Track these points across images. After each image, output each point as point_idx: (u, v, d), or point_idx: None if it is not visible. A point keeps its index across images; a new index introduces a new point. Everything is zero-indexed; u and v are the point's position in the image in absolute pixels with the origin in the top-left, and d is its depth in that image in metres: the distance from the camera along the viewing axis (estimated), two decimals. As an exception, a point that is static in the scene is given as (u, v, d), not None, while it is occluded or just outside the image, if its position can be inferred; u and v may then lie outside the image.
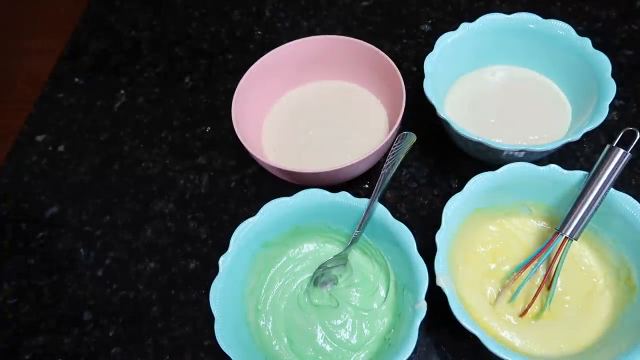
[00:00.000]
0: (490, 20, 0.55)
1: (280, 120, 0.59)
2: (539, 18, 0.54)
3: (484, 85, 0.58)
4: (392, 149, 0.46)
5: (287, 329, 0.47)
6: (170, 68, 0.68)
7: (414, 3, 0.70)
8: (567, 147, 0.47)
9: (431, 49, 0.53)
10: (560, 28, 0.53)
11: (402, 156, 0.46)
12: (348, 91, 0.60)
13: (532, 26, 0.54)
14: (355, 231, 0.46)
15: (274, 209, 0.46)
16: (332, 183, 0.51)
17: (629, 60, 0.61)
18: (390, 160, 0.46)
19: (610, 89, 0.48)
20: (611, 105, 0.47)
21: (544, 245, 0.44)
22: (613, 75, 0.49)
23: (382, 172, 0.46)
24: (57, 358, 0.49)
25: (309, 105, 0.60)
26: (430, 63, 0.52)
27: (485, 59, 0.58)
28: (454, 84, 0.58)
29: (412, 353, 0.39)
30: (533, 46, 0.55)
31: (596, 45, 0.51)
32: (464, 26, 0.54)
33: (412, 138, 0.47)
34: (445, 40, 0.54)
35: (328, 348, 0.45)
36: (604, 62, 0.50)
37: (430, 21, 0.68)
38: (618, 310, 0.44)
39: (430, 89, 0.50)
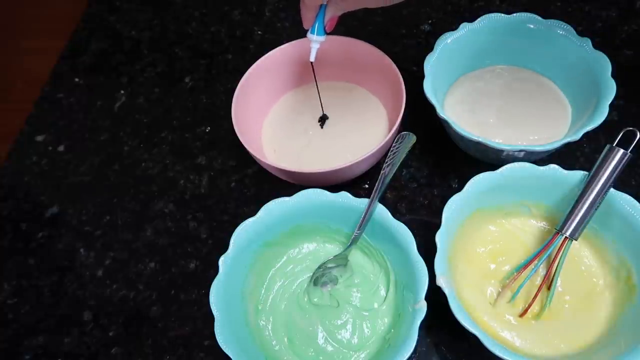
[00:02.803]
0: (491, 20, 0.55)
1: (280, 120, 0.59)
2: (539, 18, 0.54)
3: (484, 85, 0.58)
4: (391, 148, 0.46)
5: (287, 329, 0.47)
6: (170, 68, 0.68)
7: (414, 3, 0.70)
8: (567, 147, 0.47)
9: (431, 49, 0.53)
10: (561, 28, 0.53)
11: (402, 156, 0.46)
12: (348, 91, 0.60)
13: (532, 26, 0.54)
14: (356, 231, 0.46)
15: (274, 209, 0.46)
16: (332, 183, 0.51)
17: (629, 60, 0.60)
18: (390, 160, 0.46)
19: (611, 88, 0.48)
20: (611, 105, 0.47)
21: (544, 245, 0.44)
22: (613, 75, 0.49)
23: (381, 172, 0.46)
24: (57, 358, 0.49)
25: (308, 105, 0.60)
26: (430, 63, 0.52)
27: (485, 59, 0.58)
28: (454, 84, 0.58)
29: (412, 353, 0.39)
30: (533, 46, 0.55)
31: (596, 45, 0.51)
32: (464, 26, 0.54)
33: (412, 138, 0.47)
34: (445, 40, 0.54)
35: (329, 348, 0.45)
36: (604, 62, 0.50)
37: (430, 21, 0.68)
38: (618, 310, 0.44)
39: (430, 89, 0.50)
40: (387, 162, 0.45)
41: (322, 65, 0.59)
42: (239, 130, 0.51)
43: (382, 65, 0.54)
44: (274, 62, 0.57)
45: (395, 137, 0.47)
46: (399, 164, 0.46)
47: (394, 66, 0.53)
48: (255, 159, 0.51)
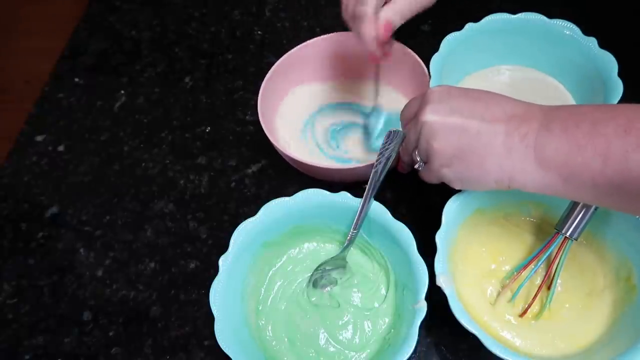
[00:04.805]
0: (496, 20, 0.54)
1: (296, 112, 0.60)
2: (545, 18, 0.54)
3: (490, 86, 0.58)
4: (383, 145, 0.46)
5: (287, 330, 0.47)
6: (170, 68, 0.68)
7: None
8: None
9: (431, 49, 0.53)
10: (566, 27, 0.53)
11: (393, 153, 0.45)
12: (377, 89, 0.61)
13: (537, 26, 0.54)
14: (351, 231, 0.45)
15: (274, 209, 0.46)
16: (349, 181, 0.52)
17: (634, 60, 0.60)
18: (381, 157, 0.45)
19: (618, 88, 0.48)
20: (617, 106, 0.47)
21: (544, 245, 0.44)
22: (619, 74, 0.49)
23: (373, 169, 0.45)
24: (57, 358, 0.49)
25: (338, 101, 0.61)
26: (436, 63, 0.52)
27: (491, 59, 0.58)
28: (460, 84, 0.58)
29: (412, 353, 0.39)
30: (539, 46, 0.55)
31: (602, 45, 0.51)
32: (469, 26, 0.54)
33: (402, 135, 0.46)
34: (451, 41, 0.54)
35: (330, 349, 0.45)
36: (610, 62, 0.50)
37: (430, 21, 0.68)
38: (618, 310, 0.44)
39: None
40: (378, 160, 0.45)
41: (349, 63, 0.59)
42: (264, 122, 0.51)
43: (411, 64, 0.55)
44: (299, 57, 0.57)
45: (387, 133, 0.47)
46: (391, 161, 0.46)
47: (424, 67, 0.53)
48: (281, 152, 0.51)
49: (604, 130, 0.32)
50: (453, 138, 0.38)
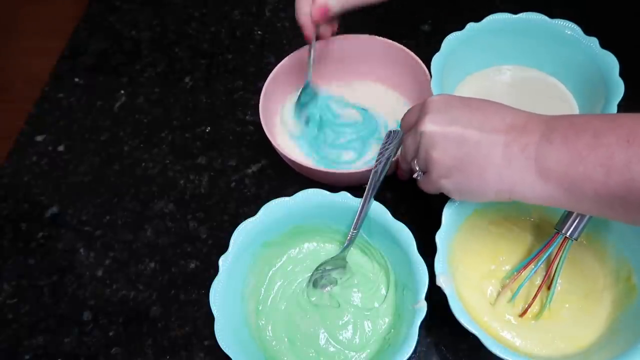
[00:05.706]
0: (497, 20, 0.54)
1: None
2: (546, 18, 0.54)
3: (491, 85, 0.58)
4: (383, 145, 0.46)
5: (287, 330, 0.47)
6: (170, 68, 0.68)
7: (414, 3, 0.70)
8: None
9: (431, 49, 0.53)
10: (568, 27, 0.53)
11: (393, 153, 0.45)
12: (377, 91, 0.61)
13: (539, 26, 0.54)
14: (351, 231, 0.45)
15: (274, 209, 0.46)
16: (353, 184, 0.51)
17: (635, 60, 0.60)
18: (380, 157, 0.46)
19: (619, 88, 0.48)
20: (619, 106, 0.47)
21: (544, 245, 0.44)
22: (621, 75, 0.49)
23: (373, 169, 0.45)
24: (57, 358, 0.49)
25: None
26: (437, 63, 0.52)
27: (492, 58, 0.58)
28: (461, 84, 0.58)
29: (412, 353, 0.39)
30: (540, 46, 0.55)
31: (603, 45, 0.51)
32: (471, 26, 0.54)
33: (402, 134, 0.46)
34: (452, 40, 0.53)
35: (330, 349, 0.45)
36: (612, 62, 0.50)
37: (430, 21, 0.68)
38: (618, 311, 0.44)
39: (437, 89, 0.50)
40: (378, 160, 0.45)
41: (351, 65, 0.60)
42: (265, 124, 0.51)
43: (410, 64, 0.55)
44: (299, 60, 0.57)
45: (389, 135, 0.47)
46: (391, 161, 0.46)
47: (424, 67, 0.53)
48: (280, 153, 0.51)
49: (606, 140, 0.32)
50: (452, 148, 0.37)
